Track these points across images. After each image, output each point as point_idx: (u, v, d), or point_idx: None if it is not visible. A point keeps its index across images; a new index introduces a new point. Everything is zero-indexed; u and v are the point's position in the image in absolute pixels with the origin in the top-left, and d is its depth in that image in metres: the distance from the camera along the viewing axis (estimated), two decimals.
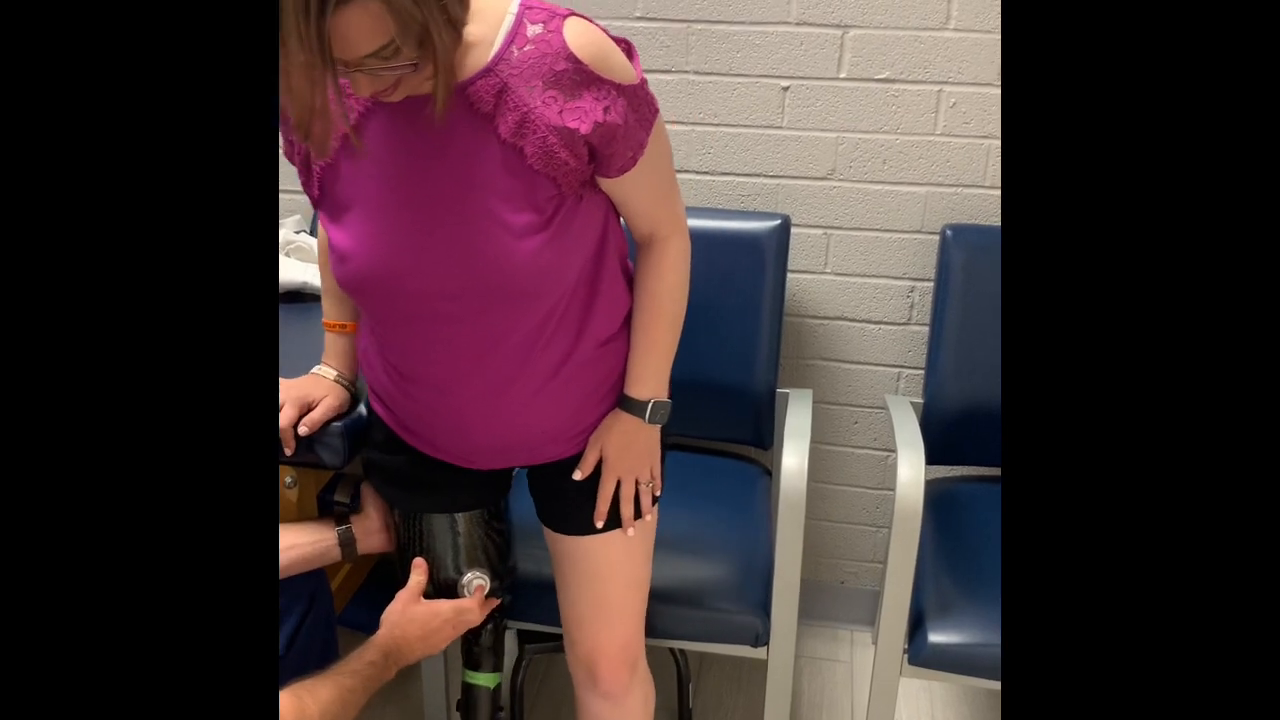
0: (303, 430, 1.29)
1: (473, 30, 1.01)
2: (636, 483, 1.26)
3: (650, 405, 1.22)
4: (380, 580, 1.85)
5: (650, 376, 1.22)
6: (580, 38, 1.03)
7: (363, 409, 1.36)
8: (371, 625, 1.31)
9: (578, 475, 1.25)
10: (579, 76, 1.03)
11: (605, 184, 1.12)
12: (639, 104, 1.07)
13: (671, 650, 1.72)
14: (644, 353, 1.22)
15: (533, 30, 1.02)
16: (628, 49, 1.09)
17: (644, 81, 1.09)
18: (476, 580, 1.32)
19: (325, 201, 1.12)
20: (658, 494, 1.30)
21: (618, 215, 1.19)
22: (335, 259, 1.12)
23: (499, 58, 1.02)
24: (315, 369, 1.35)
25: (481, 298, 1.08)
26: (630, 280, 1.23)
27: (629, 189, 1.13)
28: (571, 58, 1.02)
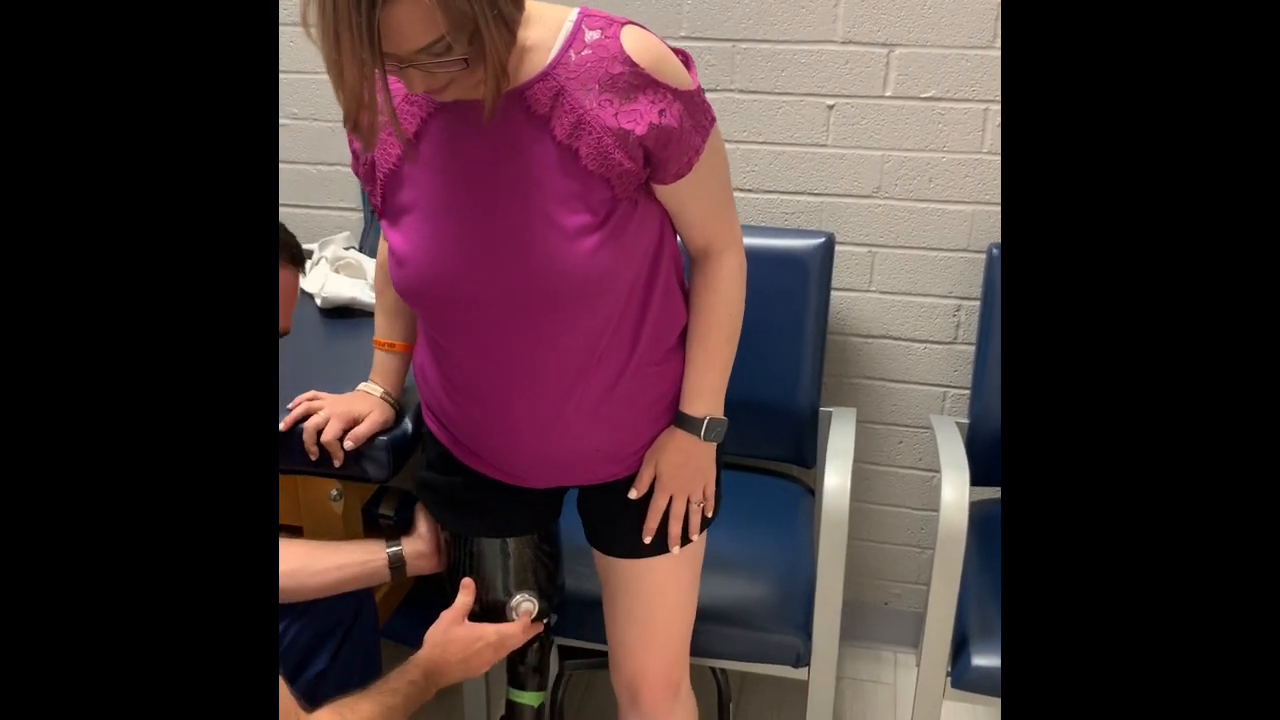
0: (348, 445, 1.30)
1: (532, 35, 1.03)
2: (688, 501, 1.26)
3: (706, 422, 1.21)
4: (424, 593, 1.86)
5: (706, 393, 1.21)
6: (637, 43, 1.04)
7: (408, 424, 1.38)
8: (415, 637, 1.31)
9: (633, 494, 1.24)
10: (635, 80, 1.03)
11: (661, 192, 1.11)
12: (695, 110, 1.08)
13: (712, 669, 1.71)
14: (700, 369, 1.21)
15: (590, 36, 1.03)
16: (685, 59, 1.09)
17: (701, 90, 1.09)
18: (525, 603, 1.32)
19: (387, 208, 1.13)
20: (709, 515, 1.29)
21: (674, 230, 1.18)
22: (394, 264, 1.13)
23: (557, 62, 1.03)
24: (361, 386, 1.37)
25: (537, 302, 1.08)
26: (686, 297, 1.22)
27: (685, 197, 1.12)
28: (628, 61, 1.03)
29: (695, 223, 1.16)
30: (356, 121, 0.96)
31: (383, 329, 1.36)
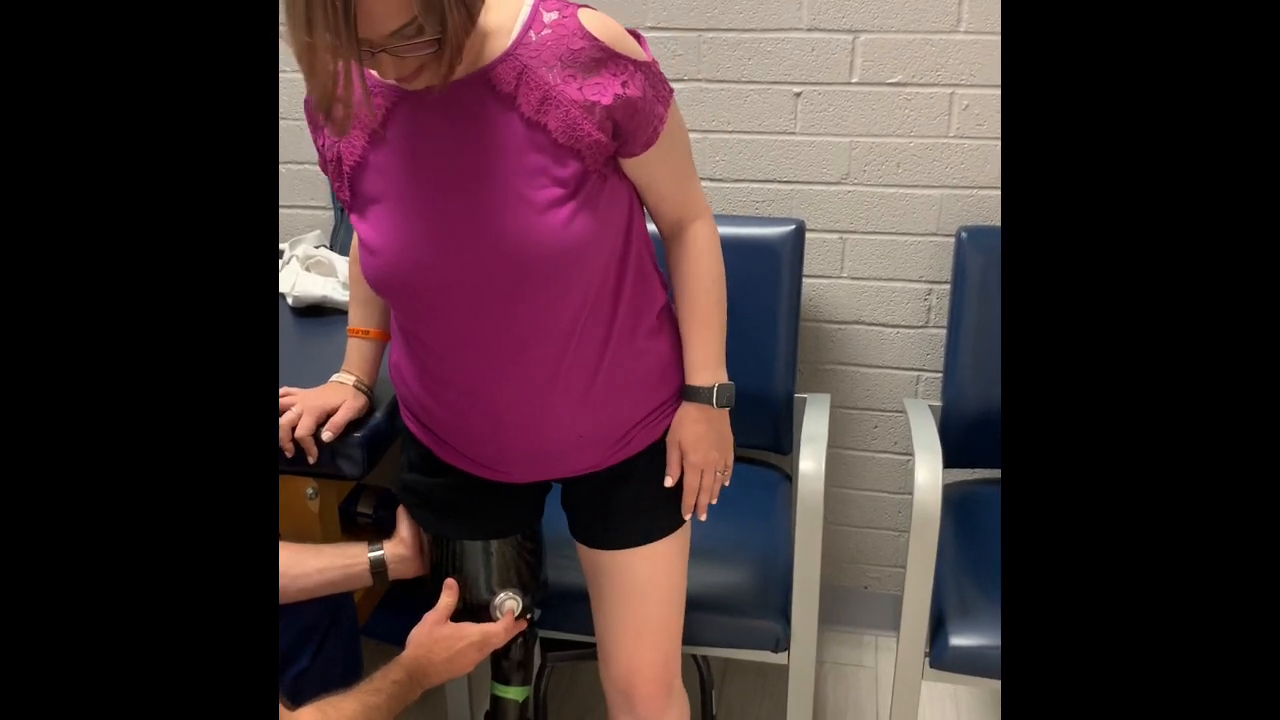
0: (326, 435, 1.30)
1: (491, 20, 1.05)
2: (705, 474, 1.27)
3: (715, 389, 1.23)
4: (404, 591, 1.86)
5: (709, 361, 1.23)
6: (594, 20, 1.07)
7: (380, 418, 1.37)
8: (395, 635, 1.31)
9: (668, 481, 1.26)
10: (596, 54, 1.05)
11: (630, 166, 1.13)
12: (655, 81, 1.10)
13: (694, 656, 1.72)
14: (697, 340, 1.23)
15: (549, 17, 1.06)
16: (637, 37, 1.11)
17: (656, 63, 1.12)
18: (508, 601, 1.32)
19: (355, 200, 1.13)
20: (726, 484, 1.31)
21: (642, 213, 1.20)
22: (365, 254, 1.13)
23: (518, 43, 1.05)
24: (334, 377, 1.36)
25: (512, 280, 1.08)
26: (660, 278, 1.24)
27: (653, 169, 1.14)
28: (588, 36, 1.05)
29: (665, 195, 1.18)
30: (329, 111, 0.97)
31: (357, 318, 1.36)
